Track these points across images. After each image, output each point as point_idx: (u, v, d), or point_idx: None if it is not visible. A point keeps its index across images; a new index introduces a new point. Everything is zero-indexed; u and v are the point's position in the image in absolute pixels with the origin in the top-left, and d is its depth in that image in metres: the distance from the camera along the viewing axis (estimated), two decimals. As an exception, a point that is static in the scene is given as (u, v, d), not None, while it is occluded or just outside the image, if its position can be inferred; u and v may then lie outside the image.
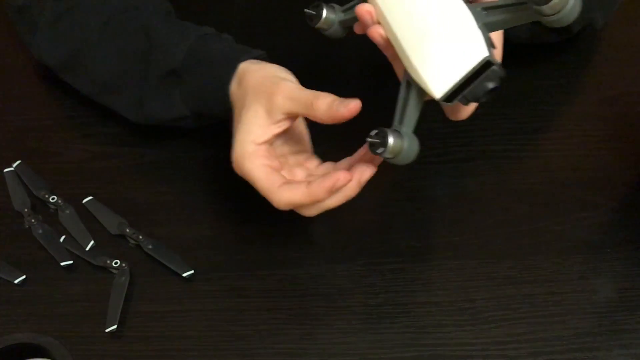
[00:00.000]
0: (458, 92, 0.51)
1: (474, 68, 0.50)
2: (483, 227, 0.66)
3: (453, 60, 0.50)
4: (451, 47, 0.51)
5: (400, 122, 0.53)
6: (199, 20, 0.67)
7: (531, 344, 0.59)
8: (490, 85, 0.50)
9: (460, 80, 0.50)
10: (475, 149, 0.72)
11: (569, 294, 0.62)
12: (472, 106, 0.56)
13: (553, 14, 0.47)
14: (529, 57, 0.77)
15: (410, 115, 0.53)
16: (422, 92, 0.53)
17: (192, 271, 0.64)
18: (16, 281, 0.64)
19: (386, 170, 0.66)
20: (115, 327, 0.60)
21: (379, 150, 0.52)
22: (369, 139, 0.52)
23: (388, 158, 0.53)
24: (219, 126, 0.65)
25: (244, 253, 0.65)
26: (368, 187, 0.58)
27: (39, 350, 0.53)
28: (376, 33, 0.54)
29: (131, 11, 0.68)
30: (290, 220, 0.60)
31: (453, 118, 0.57)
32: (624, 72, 0.78)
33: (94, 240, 0.66)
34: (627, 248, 0.65)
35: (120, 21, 0.68)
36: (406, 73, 0.53)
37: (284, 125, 0.58)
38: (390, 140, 0.51)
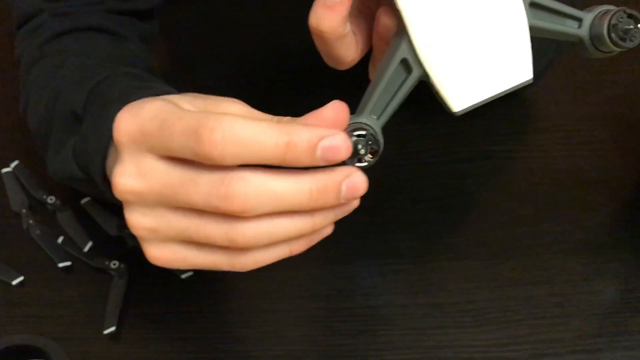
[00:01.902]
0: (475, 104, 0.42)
1: (511, 88, 0.41)
2: (484, 228, 0.66)
3: (489, 74, 0.41)
4: (492, 58, 0.40)
5: (381, 113, 0.41)
6: (201, 22, 0.67)
7: (533, 346, 0.59)
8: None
9: (489, 98, 0.42)
10: (476, 150, 0.72)
11: (571, 295, 0.62)
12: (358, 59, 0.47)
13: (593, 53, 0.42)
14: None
15: (393, 105, 0.41)
16: (422, 82, 0.42)
17: (191, 272, 0.64)
18: (14, 282, 0.64)
19: (386, 171, 0.66)
20: (113, 328, 0.60)
21: (359, 164, 0.40)
22: (356, 141, 0.39)
23: (360, 166, 0.40)
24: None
25: (243, 254, 0.65)
26: (368, 187, 0.58)
27: (36, 352, 0.53)
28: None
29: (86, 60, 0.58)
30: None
31: (334, 65, 0.47)
32: (626, 73, 0.78)
33: (92, 242, 0.65)
34: (630, 249, 0.64)
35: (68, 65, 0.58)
36: (405, 48, 0.40)
37: None
38: (381, 146, 0.40)
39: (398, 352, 0.59)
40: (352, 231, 0.66)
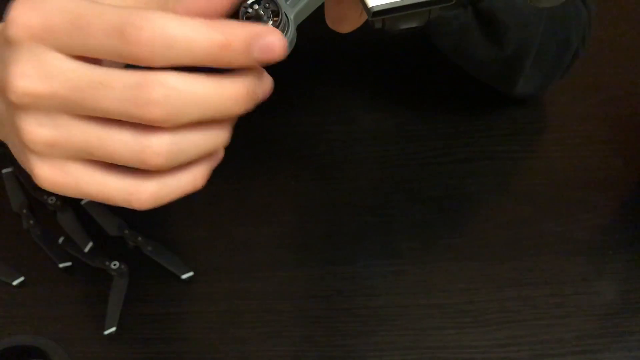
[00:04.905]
0: (388, 13, 0.40)
1: None
2: (484, 229, 0.66)
3: None
4: None
5: (294, 3, 0.39)
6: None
7: (533, 347, 0.59)
8: (417, 23, 0.41)
9: (405, 1, 0.39)
10: (476, 150, 0.71)
11: (571, 295, 0.62)
12: (359, 23, 0.44)
13: None
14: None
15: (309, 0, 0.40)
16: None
17: (191, 273, 0.63)
18: (14, 283, 0.64)
19: (387, 171, 0.66)
20: (114, 329, 0.60)
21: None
22: (247, 9, 0.38)
23: None
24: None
25: (243, 255, 0.65)
26: (368, 188, 0.58)
27: (37, 353, 0.52)
28: None
29: None
30: (290, 221, 0.60)
31: (332, 25, 0.44)
32: (626, 73, 0.77)
33: (93, 242, 0.65)
34: (630, 249, 0.64)
35: None
36: None
37: None
38: (279, 6, 0.38)
39: (398, 352, 0.59)
40: (352, 231, 0.66)
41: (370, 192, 0.58)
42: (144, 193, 0.35)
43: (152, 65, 0.32)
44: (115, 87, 0.32)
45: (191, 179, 0.37)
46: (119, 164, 0.34)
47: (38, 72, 0.33)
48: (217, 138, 0.36)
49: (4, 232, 0.67)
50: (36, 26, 0.33)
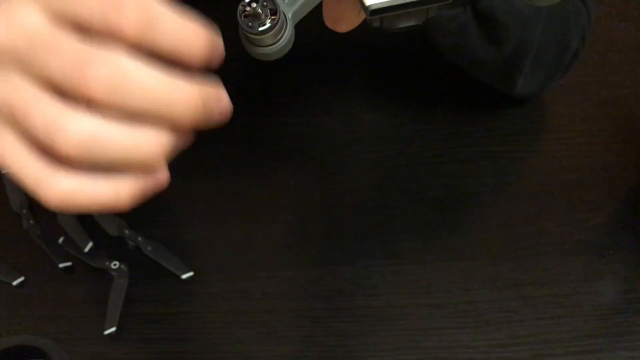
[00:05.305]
0: (386, 12, 0.40)
1: None
2: (485, 229, 0.66)
3: None
4: None
5: (292, 2, 0.39)
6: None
7: (533, 347, 0.59)
8: (415, 22, 0.41)
9: (402, 0, 0.39)
10: (477, 150, 0.71)
11: (572, 296, 0.62)
12: (357, 23, 0.44)
13: None
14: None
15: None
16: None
17: (191, 273, 0.63)
18: (15, 283, 0.64)
19: (387, 171, 0.66)
20: (114, 329, 0.60)
21: (262, 28, 0.38)
22: (245, 7, 0.38)
23: (259, 41, 0.39)
24: (219, 127, 0.65)
25: (243, 255, 0.65)
26: (368, 188, 0.57)
27: (37, 353, 0.52)
28: None
29: None
30: (290, 221, 0.60)
31: (330, 24, 0.43)
32: (627, 73, 0.77)
33: (93, 242, 0.65)
34: (630, 250, 0.64)
35: None
36: None
37: None
38: (277, 5, 0.38)
39: (398, 352, 0.59)
40: (353, 231, 0.66)
41: (370, 192, 0.58)
42: (55, 187, 0.33)
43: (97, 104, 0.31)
44: (66, 54, 0.31)
45: (112, 191, 0.33)
46: (31, 139, 0.32)
47: (7, 22, 0.32)
48: (148, 145, 0.32)
49: (4, 232, 0.67)
50: None
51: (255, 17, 0.38)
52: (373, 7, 0.39)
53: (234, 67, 0.79)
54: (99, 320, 0.61)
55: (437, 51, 0.66)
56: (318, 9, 0.42)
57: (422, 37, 0.66)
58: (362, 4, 0.39)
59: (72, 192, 0.33)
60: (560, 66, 0.70)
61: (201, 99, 0.32)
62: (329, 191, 0.69)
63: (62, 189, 0.33)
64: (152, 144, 0.32)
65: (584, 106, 0.75)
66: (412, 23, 0.41)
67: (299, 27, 0.40)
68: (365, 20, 0.41)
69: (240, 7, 0.38)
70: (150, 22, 0.31)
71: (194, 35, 0.33)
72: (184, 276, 0.63)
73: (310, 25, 0.59)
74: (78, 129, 0.31)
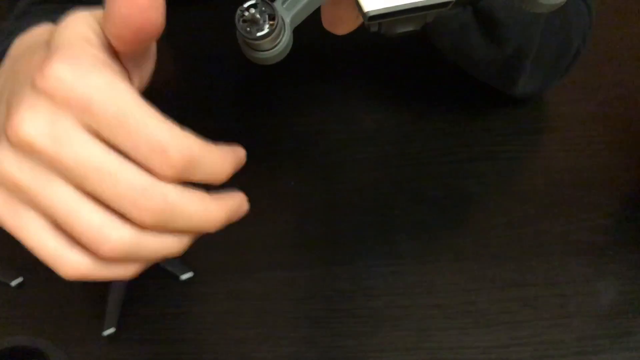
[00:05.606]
0: (384, 17, 0.39)
1: (431, 3, 0.38)
2: (485, 229, 0.66)
3: None
4: None
5: (290, 7, 0.39)
6: (201, 22, 0.66)
7: (534, 347, 0.59)
8: (414, 27, 0.41)
9: (401, 6, 0.38)
10: (477, 150, 0.71)
11: (573, 296, 0.62)
12: (356, 25, 0.43)
13: None
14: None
15: (305, 4, 0.39)
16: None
17: (190, 273, 0.63)
18: (13, 283, 0.63)
19: (387, 171, 0.66)
20: (113, 330, 0.60)
21: (260, 33, 0.38)
22: (243, 12, 0.38)
23: (257, 46, 0.39)
24: (220, 127, 0.65)
25: (243, 255, 0.65)
26: (368, 188, 0.57)
27: (36, 353, 0.52)
28: None
29: None
30: (290, 221, 0.60)
31: (329, 27, 0.43)
32: (626, 73, 0.77)
33: (92, 242, 0.65)
34: (632, 250, 0.64)
35: None
36: None
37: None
38: (275, 10, 0.38)
39: (399, 353, 0.59)
40: (353, 232, 0.66)
41: (370, 192, 0.58)
42: (72, 266, 0.35)
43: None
44: (121, 182, 0.32)
45: (121, 271, 0.36)
46: (71, 236, 0.34)
47: (51, 132, 0.31)
48: (172, 247, 0.36)
49: (3, 232, 0.67)
50: (73, 96, 0.31)
51: (253, 22, 0.38)
52: (371, 13, 0.38)
53: (234, 67, 0.79)
54: (98, 320, 0.61)
55: (437, 51, 0.66)
56: (316, 12, 0.42)
57: (422, 37, 0.66)
58: (360, 9, 0.39)
59: (87, 272, 0.35)
60: (561, 66, 0.70)
61: (227, 214, 0.37)
62: (329, 191, 0.69)
63: (80, 269, 0.35)
64: (179, 245, 0.36)
65: (584, 106, 0.75)
66: (410, 28, 0.41)
67: (299, 27, 0.40)
68: (363, 24, 0.40)
69: (238, 12, 0.38)
70: (192, 164, 0.34)
71: (228, 166, 0.37)
72: (183, 277, 0.63)
73: (310, 25, 0.59)
74: (121, 237, 0.33)
